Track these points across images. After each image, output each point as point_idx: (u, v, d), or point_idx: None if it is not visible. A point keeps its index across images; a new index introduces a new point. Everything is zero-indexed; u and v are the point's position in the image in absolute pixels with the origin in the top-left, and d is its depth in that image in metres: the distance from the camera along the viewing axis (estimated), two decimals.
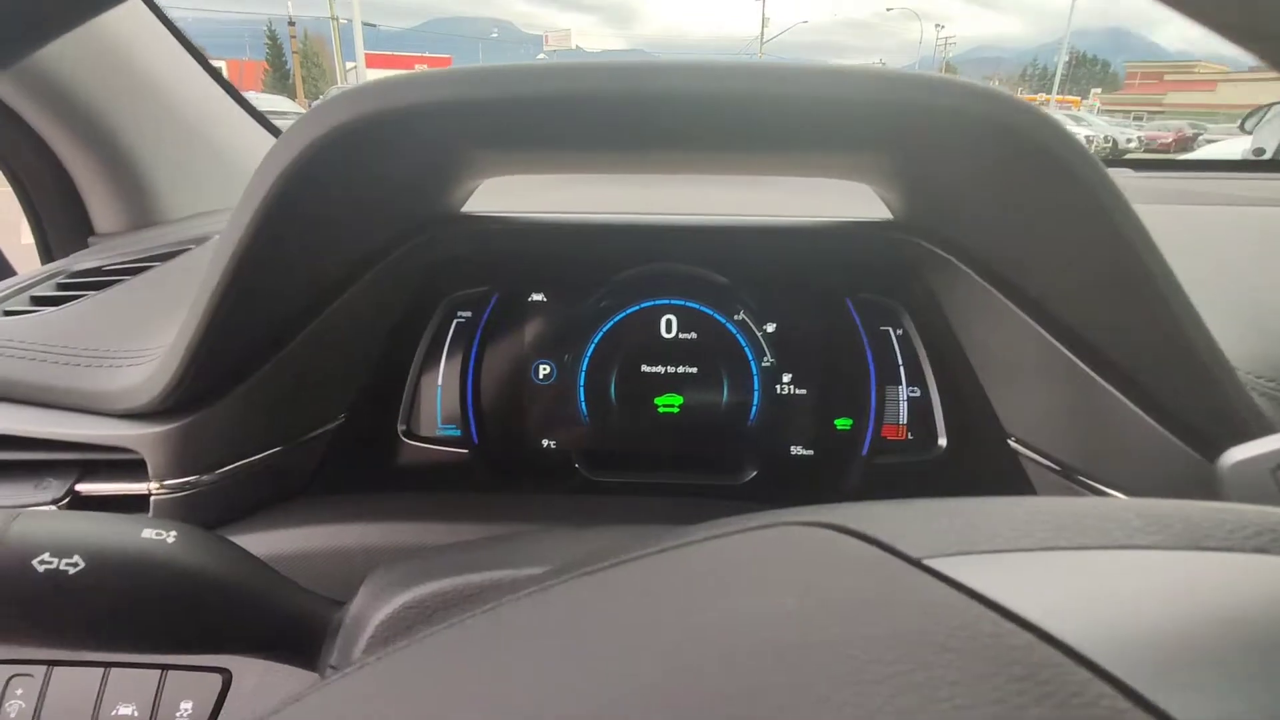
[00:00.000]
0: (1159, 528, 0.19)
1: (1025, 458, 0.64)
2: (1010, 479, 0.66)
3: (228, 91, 1.02)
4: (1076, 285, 0.50)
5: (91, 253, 0.83)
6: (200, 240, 0.81)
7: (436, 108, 0.41)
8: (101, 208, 0.88)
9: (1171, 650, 0.15)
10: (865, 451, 0.72)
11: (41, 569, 0.33)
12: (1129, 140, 24.41)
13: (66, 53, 0.81)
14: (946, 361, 0.70)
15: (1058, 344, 0.57)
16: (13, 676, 0.54)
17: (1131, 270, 0.42)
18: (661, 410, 0.73)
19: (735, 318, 0.73)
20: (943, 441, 0.71)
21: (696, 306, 0.73)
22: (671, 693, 0.17)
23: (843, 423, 0.73)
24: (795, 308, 0.73)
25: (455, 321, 0.74)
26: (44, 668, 0.54)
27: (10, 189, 0.91)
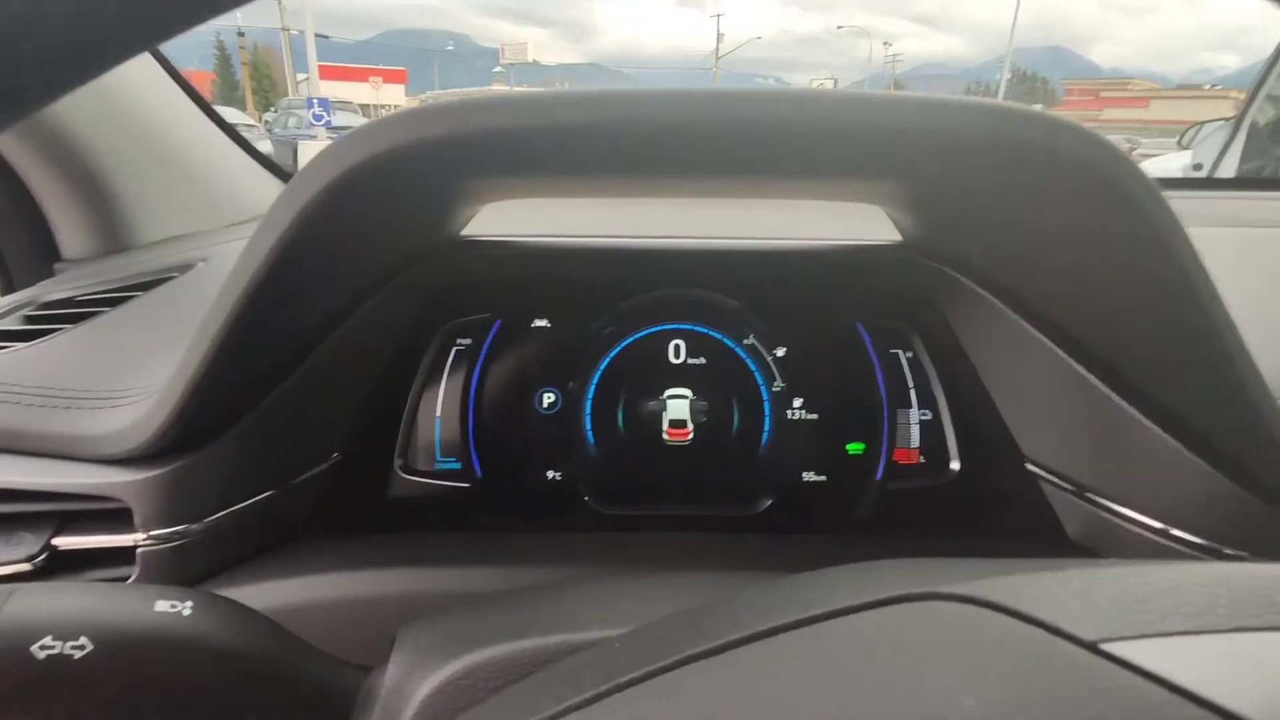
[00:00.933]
0: None
1: (1045, 481, 0.64)
2: (1027, 503, 0.66)
3: (203, 109, 0.97)
4: (1117, 315, 0.50)
5: (61, 281, 0.78)
6: (185, 268, 0.76)
7: (463, 138, 0.39)
8: (69, 231, 0.82)
9: None
10: (880, 476, 0.70)
11: (43, 654, 0.29)
12: None
13: None
14: (958, 385, 0.70)
15: (1081, 369, 0.56)
16: None
17: (1186, 306, 0.42)
18: (671, 439, 0.71)
19: (745, 342, 0.72)
20: (955, 465, 0.70)
21: (705, 331, 0.72)
22: None
23: (855, 447, 0.72)
24: (805, 331, 0.71)
25: (454, 350, 0.71)
26: None
27: None
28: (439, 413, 0.70)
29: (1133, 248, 0.41)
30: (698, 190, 0.60)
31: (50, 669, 0.29)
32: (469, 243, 0.68)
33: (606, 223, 0.76)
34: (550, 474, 0.71)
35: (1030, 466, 0.65)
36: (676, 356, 0.72)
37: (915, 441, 0.71)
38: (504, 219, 0.74)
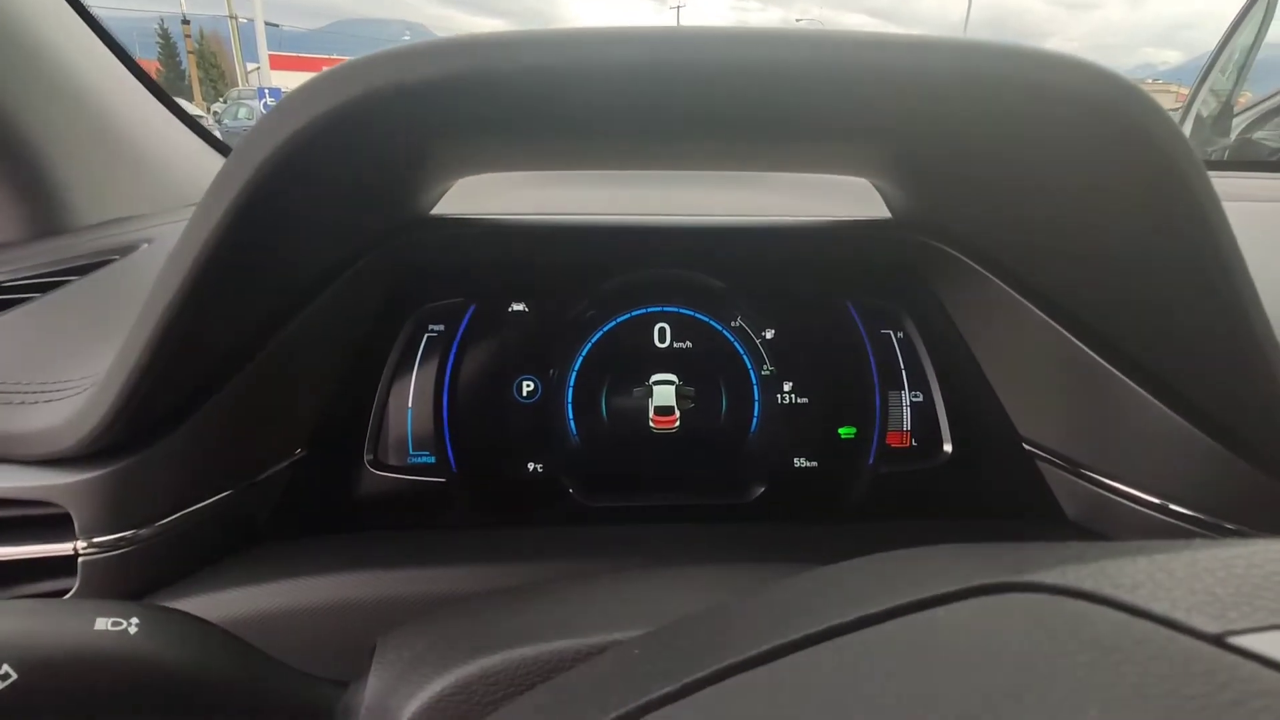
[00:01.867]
0: None
1: (1042, 460, 0.63)
2: (1024, 483, 0.64)
3: (149, 88, 0.90)
4: (1124, 287, 0.48)
5: None
6: (126, 250, 0.70)
7: (448, 82, 0.35)
8: None
9: None
10: (872, 460, 0.68)
11: None
12: None
13: None
14: (950, 365, 0.68)
15: (1081, 344, 0.55)
16: None
17: (1214, 275, 0.40)
18: (657, 426, 0.68)
19: (732, 324, 0.69)
20: (948, 447, 0.69)
21: (691, 313, 0.69)
22: None
23: (846, 431, 0.69)
24: (795, 312, 0.69)
25: (427, 336, 0.67)
26: None
27: None
28: (411, 404, 0.66)
29: (1162, 211, 0.39)
30: (683, 157, 0.56)
31: None
32: (440, 221, 0.63)
33: (587, 201, 0.72)
34: (531, 466, 0.67)
35: (1027, 446, 0.64)
36: (662, 340, 0.69)
37: (907, 424, 0.69)
38: (477, 197, 0.70)
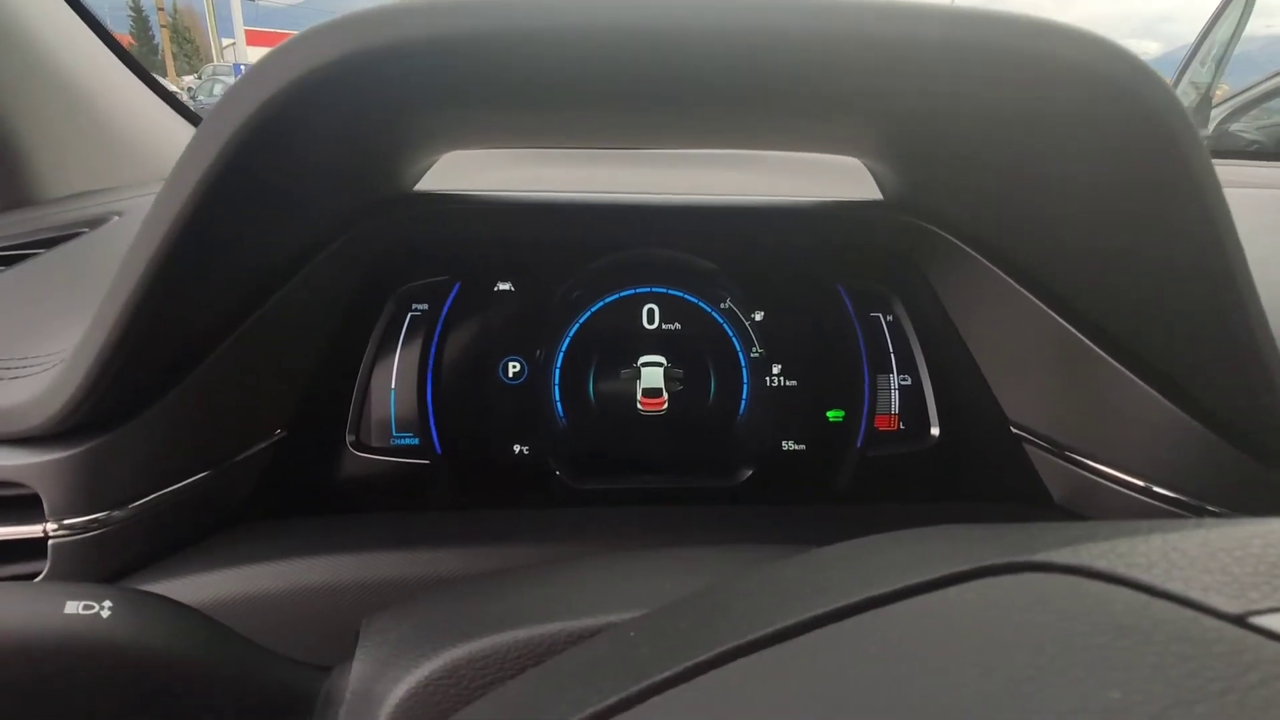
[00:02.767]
0: None
1: (1029, 443, 0.63)
2: (1011, 466, 0.65)
3: (121, 59, 0.87)
4: (1116, 269, 0.48)
5: None
6: (96, 222, 0.68)
7: (429, 45, 0.33)
8: None
9: None
10: (860, 443, 0.68)
11: None
12: None
13: None
14: (939, 348, 0.68)
15: (1070, 327, 0.55)
16: None
17: (1211, 264, 0.39)
18: (645, 408, 0.68)
19: (721, 306, 0.68)
20: (936, 431, 0.69)
21: (680, 294, 0.68)
22: None
23: (835, 414, 0.69)
24: (785, 294, 0.68)
25: (410, 315, 0.65)
26: None
27: None
28: (394, 384, 0.65)
29: (1159, 190, 0.38)
30: (670, 132, 0.55)
31: None
32: (424, 197, 0.62)
33: (576, 179, 0.71)
34: (517, 448, 0.66)
35: (1014, 429, 0.64)
36: (650, 322, 0.68)
37: (895, 407, 0.69)
38: (463, 174, 0.68)
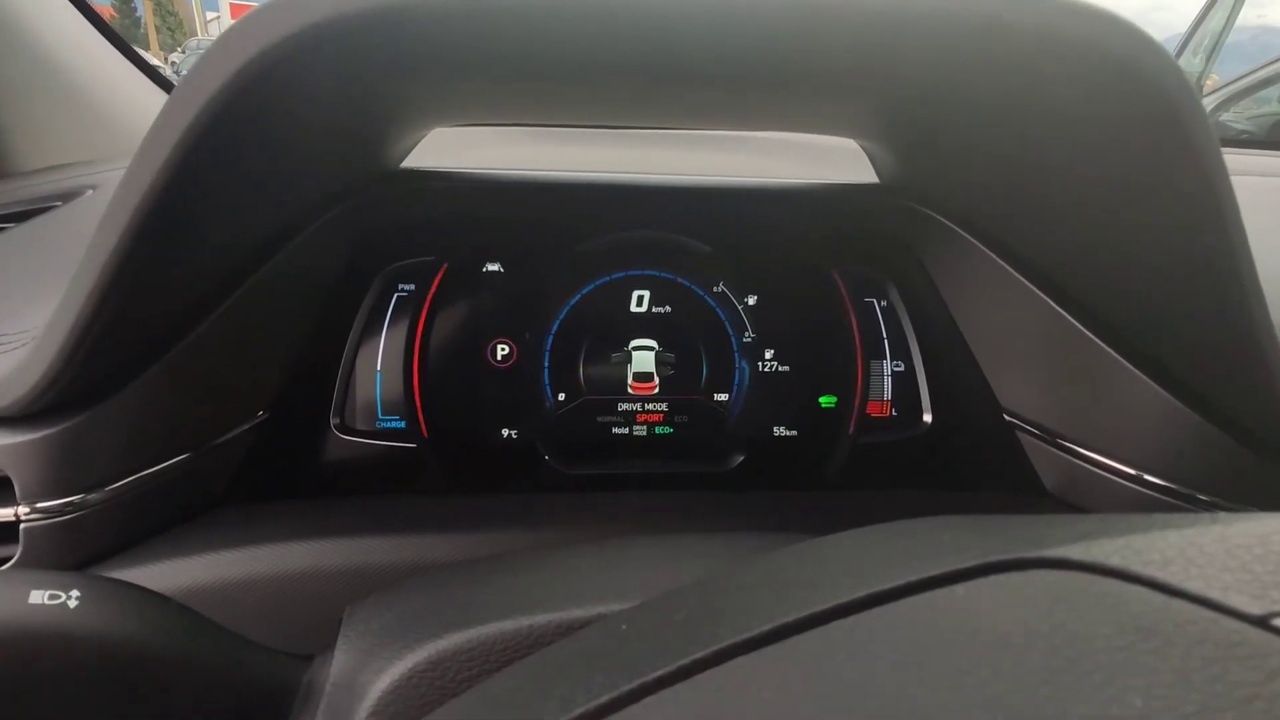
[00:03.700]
0: None
1: (1022, 431, 0.63)
2: (1003, 454, 0.64)
3: (102, 32, 0.84)
4: (1115, 257, 0.47)
5: None
6: (69, 195, 0.65)
7: (416, 10, 0.32)
8: None
9: None
10: (852, 430, 0.68)
11: None
12: None
13: None
14: (933, 335, 0.68)
15: (1066, 315, 0.54)
16: None
17: (1214, 248, 0.39)
18: (636, 393, 0.67)
19: (714, 290, 0.67)
20: (928, 418, 0.68)
21: (672, 278, 0.67)
22: None
23: (827, 400, 0.68)
24: (778, 278, 0.67)
25: (396, 296, 0.64)
26: None
27: None
28: (380, 366, 0.63)
29: (1162, 168, 0.38)
30: (661, 109, 0.53)
31: None
32: (411, 174, 0.60)
33: (567, 159, 0.69)
34: (506, 432, 0.65)
35: (1007, 417, 0.64)
36: (640, 305, 0.67)
37: (888, 394, 0.69)
38: (451, 151, 0.67)
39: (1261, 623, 0.14)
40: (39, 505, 0.45)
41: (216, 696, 0.29)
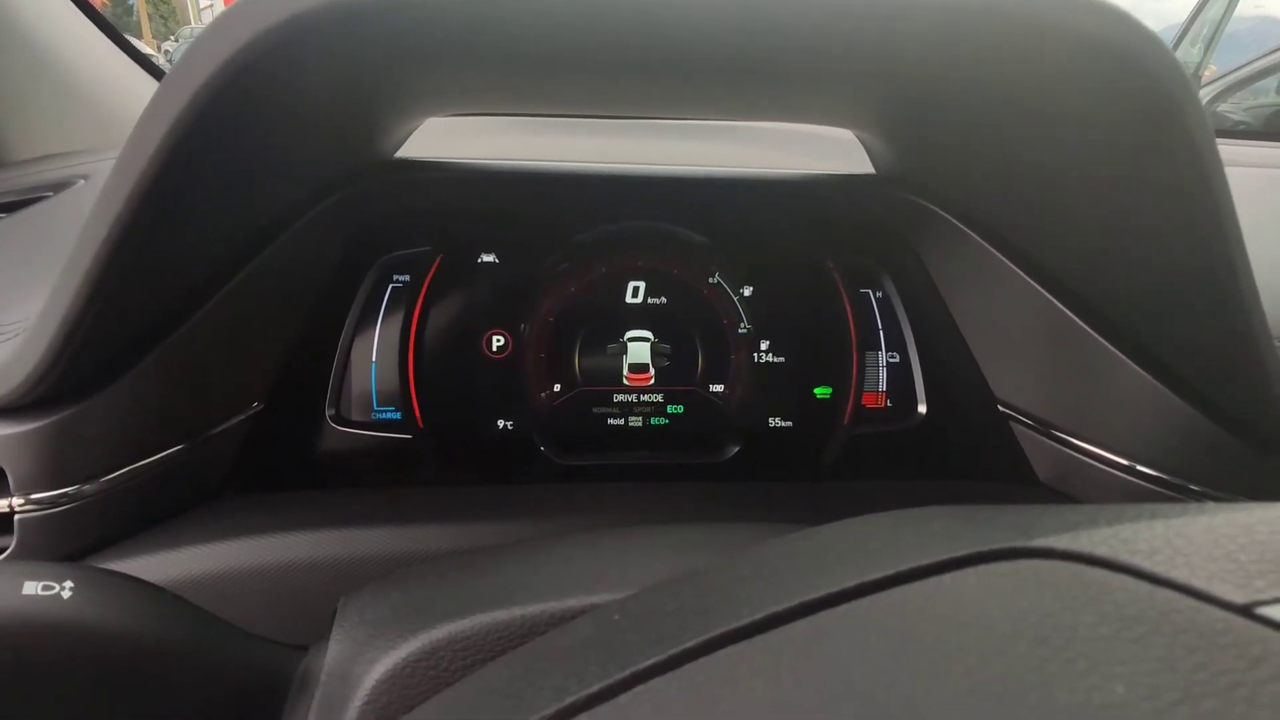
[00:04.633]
0: None
1: (1016, 422, 0.63)
2: (997, 445, 0.64)
3: (94, 21, 0.83)
4: (1111, 250, 0.47)
5: None
6: (60, 186, 0.65)
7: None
8: None
9: None
10: (847, 421, 0.68)
11: None
12: None
13: None
14: (928, 326, 0.68)
15: (1062, 307, 0.54)
16: None
17: (1208, 240, 0.39)
18: (631, 384, 0.67)
19: (710, 281, 0.67)
20: (922, 409, 0.68)
21: (668, 267, 0.67)
22: None
23: (822, 391, 0.69)
24: (774, 269, 0.67)
25: (391, 287, 0.63)
26: None
27: None
28: (375, 357, 0.63)
29: (1159, 160, 0.38)
30: (657, 98, 0.53)
31: None
32: (405, 164, 0.60)
33: (562, 149, 0.69)
34: (501, 423, 0.65)
35: (1001, 408, 0.64)
36: (636, 296, 0.67)
37: (883, 385, 0.69)
38: (446, 141, 0.66)
39: (1245, 611, 0.15)
40: (33, 496, 0.45)
41: (211, 687, 0.29)
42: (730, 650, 0.17)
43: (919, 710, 0.14)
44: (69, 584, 0.26)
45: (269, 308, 0.55)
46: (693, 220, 0.66)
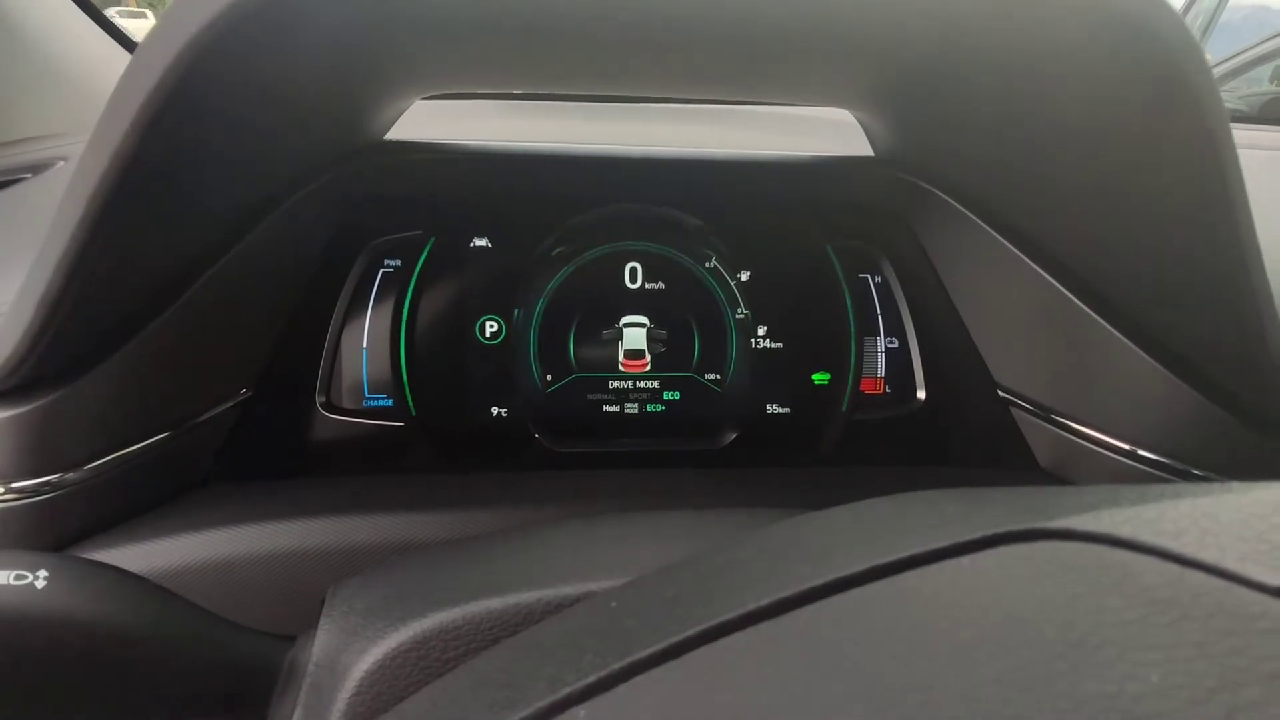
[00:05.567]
0: None
1: (1016, 407, 0.62)
2: (997, 430, 0.64)
3: (77, 2, 0.81)
4: (1115, 232, 0.46)
5: None
6: (39, 167, 0.63)
7: None
8: None
9: None
10: (845, 407, 0.67)
11: None
12: None
13: None
14: (927, 311, 0.67)
15: (1063, 289, 0.54)
16: None
17: (1216, 216, 0.38)
18: (627, 370, 0.66)
19: (707, 265, 0.66)
20: (921, 394, 0.68)
21: (665, 252, 0.65)
22: None
23: (820, 377, 0.68)
24: (772, 253, 0.66)
25: (382, 271, 0.62)
26: None
27: None
28: (366, 344, 0.62)
29: (1167, 131, 0.36)
30: (652, 78, 0.52)
31: None
32: (395, 146, 0.58)
33: (556, 131, 0.67)
34: (495, 410, 0.64)
35: (1002, 393, 0.63)
36: (633, 281, 0.65)
37: (882, 370, 0.68)
38: (437, 123, 0.65)
39: (1278, 593, 0.14)
40: (13, 485, 0.43)
41: (195, 679, 0.28)
42: (735, 638, 0.16)
43: (939, 702, 0.13)
44: (43, 573, 0.25)
45: (257, 292, 0.54)
46: (688, 203, 0.65)
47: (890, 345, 0.68)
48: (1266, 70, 2.05)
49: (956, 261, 0.63)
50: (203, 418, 0.53)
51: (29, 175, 0.62)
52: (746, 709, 0.14)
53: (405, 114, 0.59)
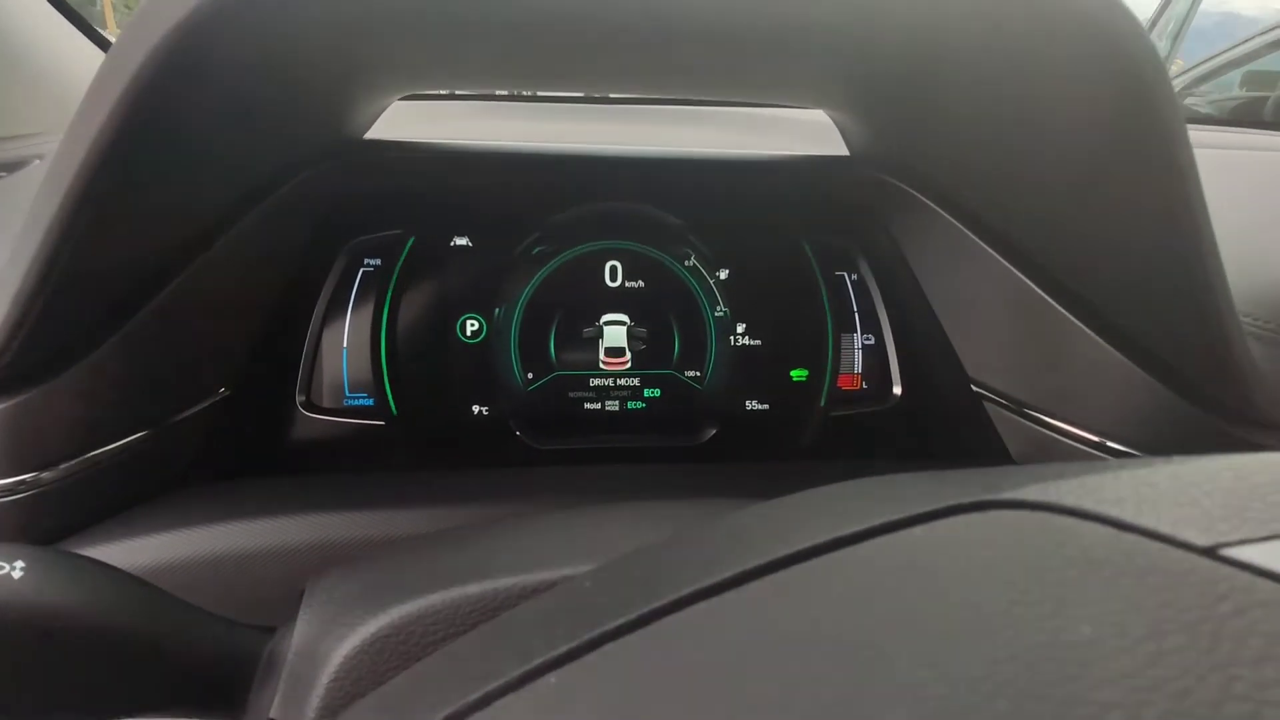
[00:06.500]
0: None
1: (989, 401, 0.63)
2: (971, 425, 0.65)
3: (53, 4, 0.81)
4: (1083, 229, 0.48)
5: None
6: (16, 165, 0.63)
7: None
8: None
9: None
10: (823, 403, 0.68)
11: None
12: None
13: None
14: (902, 307, 0.68)
15: (1033, 285, 0.55)
16: None
17: (1175, 212, 0.39)
18: (608, 368, 0.66)
19: (686, 263, 0.67)
20: (898, 390, 0.69)
21: (644, 250, 0.66)
22: None
23: (798, 374, 0.69)
24: (750, 252, 0.67)
25: (362, 271, 0.62)
26: None
27: None
28: (346, 343, 0.62)
29: (1126, 130, 0.38)
30: (627, 77, 0.52)
31: None
32: (374, 145, 0.59)
33: (535, 131, 0.68)
34: (476, 409, 0.65)
35: (975, 388, 0.64)
36: (613, 279, 0.66)
37: (858, 367, 0.69)
38: (417, 123, 0.65)
39: (1210, 553, 0.15)
40: None
41: (175, 669, 0.28)
42: (700, 606, 0.17)
43: (888, 656, 0.13)
44: (20, 564, 0.25)
45: (235, 290, 0.54)
46: (667, 201, 0.66)
47: (867, 342, 0.69)
48: (1236, 75, 2.10)
49: (930, 259, 0.64)
50: (181, 416, 0.53)
51: (3, 174, 0.62)
52: (713, 667, 0.15)
53: (385, 114, 0.59)
